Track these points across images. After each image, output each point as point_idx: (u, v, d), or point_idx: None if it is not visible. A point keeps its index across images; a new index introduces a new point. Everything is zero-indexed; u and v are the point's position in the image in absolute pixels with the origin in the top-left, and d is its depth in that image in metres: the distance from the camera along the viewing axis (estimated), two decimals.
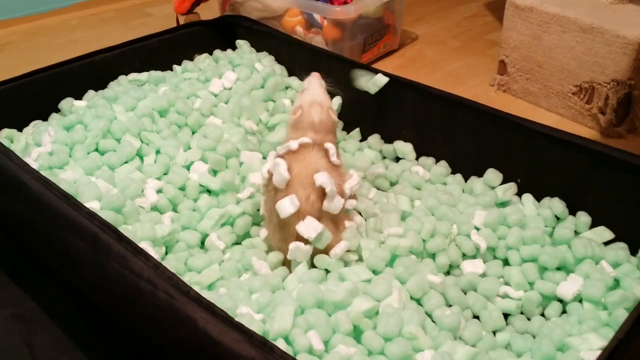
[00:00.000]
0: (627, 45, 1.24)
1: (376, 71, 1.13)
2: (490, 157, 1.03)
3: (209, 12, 1.59)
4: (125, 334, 0.76)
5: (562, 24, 1.32)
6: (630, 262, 0.85)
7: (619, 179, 0.91)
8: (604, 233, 0.90)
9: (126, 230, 0.83)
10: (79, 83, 1.14)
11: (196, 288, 0.80)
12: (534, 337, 0.78)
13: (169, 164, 0.99)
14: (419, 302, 0.81)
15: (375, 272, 0.82)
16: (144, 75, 1.17)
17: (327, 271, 0.83)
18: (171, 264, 0.85)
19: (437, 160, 1.09)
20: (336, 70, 1.20)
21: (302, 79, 1.06)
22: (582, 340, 0.72)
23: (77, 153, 0.96)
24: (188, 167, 0.99)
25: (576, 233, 0.92)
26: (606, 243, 0.90)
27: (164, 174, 0.98)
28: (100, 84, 1.15)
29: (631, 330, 0.64)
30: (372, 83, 1.12)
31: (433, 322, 0.78)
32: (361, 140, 1.19)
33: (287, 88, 1.23)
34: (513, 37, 1.43)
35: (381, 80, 1.12)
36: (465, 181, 1.05)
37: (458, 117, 1.06)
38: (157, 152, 1.01)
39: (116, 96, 1.08)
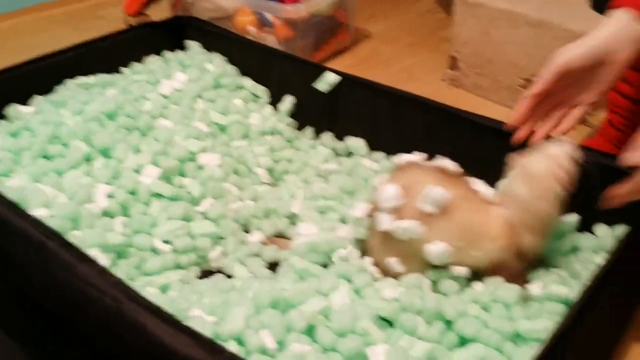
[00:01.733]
0: (575, 39, 1.26)
1: (328, 70, 1.14)
2: (440, 151, 1.04)
3: (159, 13, 1.57)
4: (78, 340, 0.75)
5: (511, 19, 1.34)
6: None
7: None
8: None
9: (75, 236, 0.82)
10: (26, 88, 1.11)
11: (150, 290, 0.80)
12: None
13: (118, 168, 0.97)
14: None
15: None
16: (91, 79, 1.16)
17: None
18: (123, 269, 0.84)
19: (389, 155, 1.10)
20: (288, 69, 1.20)
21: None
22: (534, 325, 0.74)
23: (24, 159, 0.94)
24: (138, 171, 0.98)
25: None
26: None
27: (114, 179, 0.97)
28: (47, 89, 1.13)
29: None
30: (323, 81, 1.13)
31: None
32: (314, 139, 1.19)
33: (239, 88, 1.23)
34: (463, 33, 1.45)
35: (332, 78, 1.12)
36: None
37: (407, 113, 1.07)
38: (107, 156, 0.99)
39: (63, 101, 1.06)
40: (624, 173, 0.86)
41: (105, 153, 1.00)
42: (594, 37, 0.77)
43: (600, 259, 0.84)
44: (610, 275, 0.72)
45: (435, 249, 0.77)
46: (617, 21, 0.77)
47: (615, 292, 0.77)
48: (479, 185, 0.83)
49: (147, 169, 0.97)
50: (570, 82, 0.80)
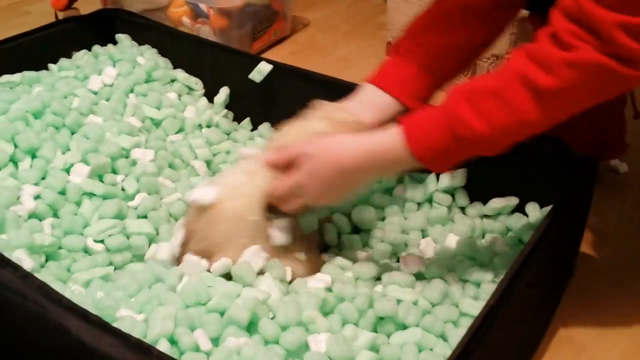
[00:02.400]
0: None
1: (261, 59, 1.13)
2: None
3: (90, 7, 1.53)
4: None
5: None
6: None
7: None
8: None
9: (0, 240, 0.79)
10: None
11: (76, 288, 0.77)
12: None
13: (46, 168, 0.94)
14: None
15: None
16: (17, 77, 1.11)
17: None
18: (53, 271, 0.82)
19: None
20: (221, 60, 1.19)
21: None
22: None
23: None
24: (68, 170, 0.95)
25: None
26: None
27: (42, 179, 0.93)
28: None
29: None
30: (256, 71, 1.12)
31: None
32: (252, 130, 1.18)
33: (172, 81, 1.20)
34: (397, 19, 1.45)
35: (265, 68, 1.11)
36: None
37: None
38: (33, 156, 0.96)
39: None
40: (558, 154, 0.88)
41: (32, 153, 0.96)
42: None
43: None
44: (534, 255, 0.73)
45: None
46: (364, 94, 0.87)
47: (540, 272, 0.78)
48: None
49: (76, 168, 0.94)
50: None
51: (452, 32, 0.87)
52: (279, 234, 0.81)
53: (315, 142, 0.78)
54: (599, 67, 0.64)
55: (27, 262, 0.76)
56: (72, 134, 1.02)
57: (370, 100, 0.87)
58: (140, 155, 1.00)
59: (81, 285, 0.80)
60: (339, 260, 0.85)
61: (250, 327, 0.70)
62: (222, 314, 0.70)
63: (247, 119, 1.19)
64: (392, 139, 0.73)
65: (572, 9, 0.66)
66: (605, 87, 0.68)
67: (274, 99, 1.16)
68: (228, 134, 1.16)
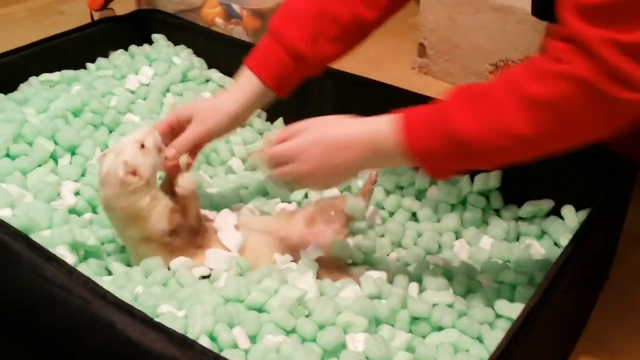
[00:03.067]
0: (538, 23, 1.27)
1: None
2: None
3: (124, 6, 1.55)
4: (38, 344, 0.74)
5: (475, 5, 1.35)
6: None
7: None
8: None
9: (42, 236, 0.80)
10: None
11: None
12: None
13: (85, 165, 0.96)
14: None
15: None
16: (55, 75, 1.14)
17: None
18: (93, 268, 0.83)
19: None
20: None
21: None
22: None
23: None
24: None
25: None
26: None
27: (82, 176, 0.95)
28: (10, 87, 1.11)
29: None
30: None
31: None
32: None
33: (207, 81, 1.22)
34: (430, 20, 1.45)
35: None
36: None
37: (377, 102, 1.06)
38: (73, 153, 0.98)
39: (26, 98, 1.04)
40: (595, 156, 0.88)
41: (72, 150, 0.98)
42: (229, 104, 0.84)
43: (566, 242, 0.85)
44: (573, 258, 0.73)
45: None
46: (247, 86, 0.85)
47: (577, 275, 0.78)
48: None
49: None
50: None
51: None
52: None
53: (316, 120, 0.76)
54: (587, 85, 0.60)
55: (69, 258, 0.77)
56: (110, 132, 1.05)
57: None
58: None
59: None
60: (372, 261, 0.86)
61: (288, 325, 0.71)
62: (260, 310, 0.71)
63: (280, 119, 1.19)
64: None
65: (563, 26, 0.63)
66: (599, 111, 0.62)
67: (306, 99, 1.16)
68: (261, 133, 1.17)
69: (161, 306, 0.68)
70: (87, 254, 0.86)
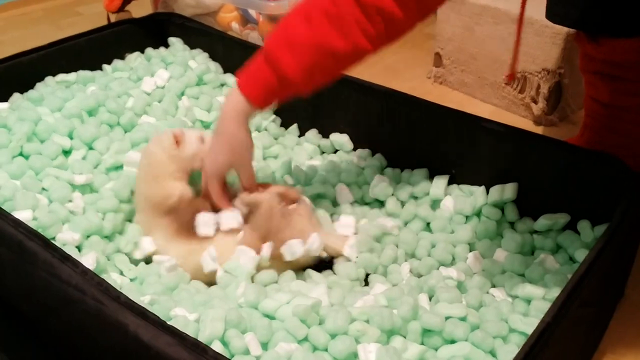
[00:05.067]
0: (556, 35, 1.27)
1: None
2: (424, 147, 1.04)
3: (141, 9, 1.56)
4: (53, 342, 0.74)
5: (494, 16, 1.34)
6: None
7: (546, 163, 0.93)
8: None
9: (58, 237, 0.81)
10: (5, 86, 1.10)
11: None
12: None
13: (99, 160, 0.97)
14: None
15: None
16: (72, 76, 1.14)
17: None
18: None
19: (374, 153, 1.10)
20: None
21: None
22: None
23: (2, 158, 0.93)
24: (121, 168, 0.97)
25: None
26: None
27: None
28: (27, 87, 1.11)
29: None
30: None
31: None
32: (299, 136, 1.19)
33: (222, 85, 1.22)
34: (447, 30, 1.45)
35: None
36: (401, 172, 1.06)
37: (392, 109, 1.06)
38: (90, 148, 0.99)
39: (41, 97, 1.05)
40: (612, 171, 0.87)
41: (89, 146, 0.99)
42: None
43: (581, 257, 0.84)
44: (590, 274, 0.72)
45: None
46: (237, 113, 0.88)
47: (593, 292, 0.77)
48: None
49: (130, 155, 0.97)
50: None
51: None
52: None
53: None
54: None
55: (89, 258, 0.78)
56: (125, 132, 1.05)
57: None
58: None
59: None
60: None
61: (300, 334, 0.70)
62: (271, 317, 0.70)
63: (295, 125, 1.19)
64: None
65: None
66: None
67: (321, 106, 1.16)
68: (276, 138, 1.17)
69: (175, 309, 0.68)
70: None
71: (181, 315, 0.67)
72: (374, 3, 0.80)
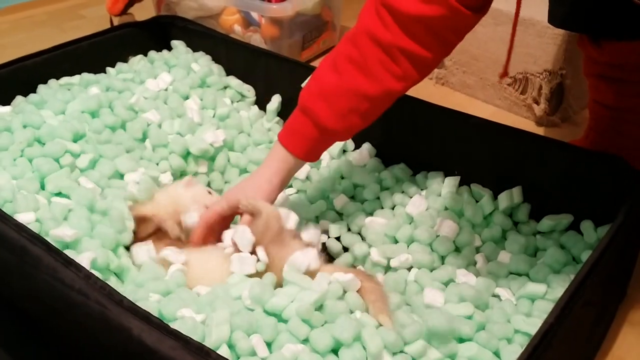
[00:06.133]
0: (557, 36, 1.27)
1: (314, 68, 1.13)
2: (427, 149, 1.04)
3: (143, 12, 1.56)
4: (57, 345, 0.74)
5: (495, 17, 1.34)
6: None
7: (549, 163, 0.94)
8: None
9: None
10: (8, 89, 1.10)
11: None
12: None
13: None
14: None
15: None
16: (75, 79, 1.14)
17: None
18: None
19: (376, 154, 1.10)
20: (274, 69, 1.20)
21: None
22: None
23: (4, 161, 0.93)
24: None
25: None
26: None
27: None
28: (31, 90, 1.11)
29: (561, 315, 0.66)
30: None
31: None
32: None
33: (225, 88, 1.22)
34: None
35: None
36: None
37: (394, 111, 1.06)
38: (97, 160, 0.99)
39: (43, 100, 1.05)
40: (615, 172, 0.87)
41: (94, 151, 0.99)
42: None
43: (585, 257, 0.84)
44: (593, 274, 0.72)
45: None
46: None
47: (596, 292, 0.77)
48: None
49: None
50: None
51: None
52: None
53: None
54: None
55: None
56: (128, 134, 1.06)
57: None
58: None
59: None
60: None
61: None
62: (278, 317, 0.71)
63: None
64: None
65: None
66: None
67: None
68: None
69: (181, 310, 0.68)
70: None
71: (188, 317, 0.67)
72: (394, 43, 0.80)
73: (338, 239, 0.99)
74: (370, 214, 0.99)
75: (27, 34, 1.74)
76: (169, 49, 1.28)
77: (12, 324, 0.81)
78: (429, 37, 0.81)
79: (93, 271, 0.69)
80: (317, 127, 0.86)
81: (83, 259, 0.73)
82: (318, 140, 0.87)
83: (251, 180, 0.89)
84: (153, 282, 0.75)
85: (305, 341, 0.69)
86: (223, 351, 0.64)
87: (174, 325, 0.62)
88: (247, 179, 0.91)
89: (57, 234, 0.78)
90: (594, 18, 1.00)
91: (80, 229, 0.80)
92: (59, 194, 0.89)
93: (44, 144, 0.96)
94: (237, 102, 1.21)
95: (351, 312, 0.73)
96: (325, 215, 1.02)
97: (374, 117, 0.89)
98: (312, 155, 0.89)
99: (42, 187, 0.90)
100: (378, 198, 1.02)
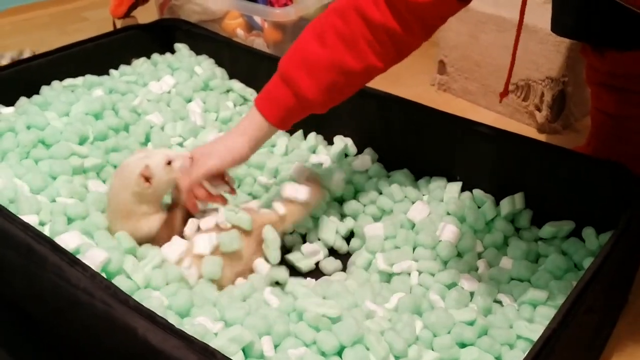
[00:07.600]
0: (560, 44, 1.27)
1: None
2: (428, 153, 1.04)
3: (147, 15, 1.57)
4: (61, 345, 0.74)
5: (498, 24, 1.35)
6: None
7: (551, 170, 0.94)
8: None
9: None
10: (13, 91, 1.10)
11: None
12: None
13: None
14: None
15: None
16: (79, 80, 1.15)
17: None
18: None
19: (378, 158, 1.10)
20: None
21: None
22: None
23: (9, 161, 0.93)
24: None
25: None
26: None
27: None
28: (34, 91, 1.12)
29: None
30: None
31: None
32: (303, 140, 1.19)
33: (228, 91, 1.22)
34: (451, 37, 1.46)
35: None
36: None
37: (395, 115, 1.07)
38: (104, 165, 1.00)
39: (47, 102, 1.05)
40: (617, 178, 0.88)
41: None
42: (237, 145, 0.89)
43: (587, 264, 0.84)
44: (595, 280, 0.72)
45: None
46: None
47: (598, 298, 0.77)
48: None
49: None
50: None
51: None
52: None
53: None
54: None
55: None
56: (131, 135, 1.06)
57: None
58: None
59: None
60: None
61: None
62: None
63: (300, 131, 1.20)
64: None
65: None
66: None
67: (326, 114, 1.16)
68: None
69: (198, 317, 0.69)
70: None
71: (202, 325, 0.68)
72: (383, 23, 0.82)
73: (342, 242, 0.99)
74: (372, 219, 1.00)
75: (29, 36, 1.74)
76: (172, 52, 1.28)
77: (13, 325, 0.81)
78: (416, 21, 0.84)
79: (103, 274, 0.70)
80: (296, 97, 0.86)
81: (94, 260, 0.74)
82: (296, 109, 0.88)
83: (224, 142, 0.90)
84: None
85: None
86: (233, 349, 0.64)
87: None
88: (220, 138, 0.91)
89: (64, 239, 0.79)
90: (597, 27, 1.01)
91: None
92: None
93: (48, 145, 0.97)
94: (240, 105, 1.22)
95: None
96: (326, 219, 1.02)
97: (351, 93, 0.91)
98: (286, 123, 0.90)
99: (48, 190, 0.91)
100: (379, 203, 1.02)
